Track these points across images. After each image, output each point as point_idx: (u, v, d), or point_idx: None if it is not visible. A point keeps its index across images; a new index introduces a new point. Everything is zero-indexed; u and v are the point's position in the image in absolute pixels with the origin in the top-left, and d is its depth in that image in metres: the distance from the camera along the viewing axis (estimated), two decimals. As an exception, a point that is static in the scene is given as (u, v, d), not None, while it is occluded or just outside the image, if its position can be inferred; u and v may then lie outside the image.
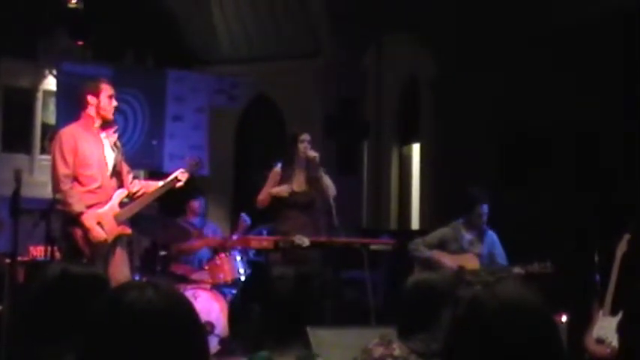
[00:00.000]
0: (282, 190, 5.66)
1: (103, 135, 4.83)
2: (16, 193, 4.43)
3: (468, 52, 7.47)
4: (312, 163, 5.61)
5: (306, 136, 5.73)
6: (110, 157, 4.83)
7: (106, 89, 4.80)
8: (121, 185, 4.87)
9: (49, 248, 4.65)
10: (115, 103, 4.84)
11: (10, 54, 8.30)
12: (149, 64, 8.86)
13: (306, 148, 5.65)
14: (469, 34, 7.45)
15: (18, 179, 4.46)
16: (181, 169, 5.01)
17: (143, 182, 5.18)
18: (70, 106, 7.42)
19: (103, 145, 4.81)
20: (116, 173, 4.85)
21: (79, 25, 8.22)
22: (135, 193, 4.95)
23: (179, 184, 5.00)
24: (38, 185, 7.70)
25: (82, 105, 4.80)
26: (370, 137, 9.01)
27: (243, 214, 6.99)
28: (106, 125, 4.84)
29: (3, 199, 6.62)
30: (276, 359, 2.18)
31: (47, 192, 5.74)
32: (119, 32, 8.54)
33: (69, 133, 4.76)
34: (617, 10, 6.35)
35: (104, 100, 4.78)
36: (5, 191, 6.25)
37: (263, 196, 5.72)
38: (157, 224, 5.59)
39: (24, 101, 8.53)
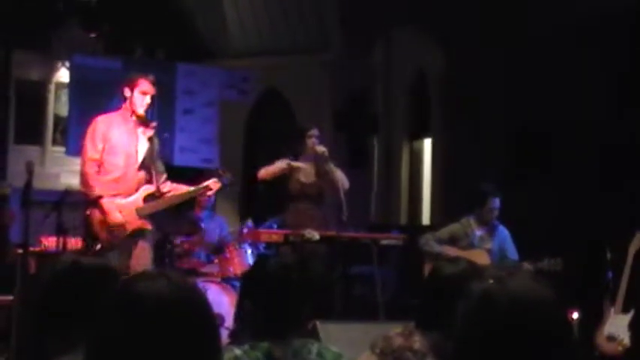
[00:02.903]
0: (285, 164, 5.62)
1: (140, 130, 4.84)
2: (28, 184, 4.45)
3: (477, 46, 7.43)
4: (321, 158, 5.60)
5: (314, 131, 5.71)
6: (142, 150, 4.83)
7: (142, 84, 4.84)
8: (149, 181, 4.87)
9: (61, 239, 4.66)
10: (148, 100, 4.86)
11: (23, 46, 8.31)
12: (159, 58, 8.85)
13: (315, 143, 5.64)
14: (478, 28, 7.41)
15: (30, 171, 4.48)
16: (214, 179, 4.99)
17: (174, 185, 5.16)
18: (82, 98, 7.44)
19: (137, 137, 4.83)
20: (145, 167, 4.84)
21: (91, 17, 8.23)
22: (164, 194, 4.94)
23: (210, 193, 5.04)
24: (50, 177, 7.72)
25: (122, 97, 4.88)
26: (380, 132, 8.98)
27: (249, 222, 6.56)
28: (142, 122, 4.84)
29: (15, 190, 6.65)
30: (276, 350, 2.17)
31: (59, 184, 5.78)
32: (130, 25, 8.54)
33: (104, 120, 4.83)
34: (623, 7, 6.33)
35: (136, 95, 4.82)
36: (17, 183, 6.27)
37: (266, 169, 5.68)
38: (168, 216, 5.59)
39: (36, 93, 8.54)
